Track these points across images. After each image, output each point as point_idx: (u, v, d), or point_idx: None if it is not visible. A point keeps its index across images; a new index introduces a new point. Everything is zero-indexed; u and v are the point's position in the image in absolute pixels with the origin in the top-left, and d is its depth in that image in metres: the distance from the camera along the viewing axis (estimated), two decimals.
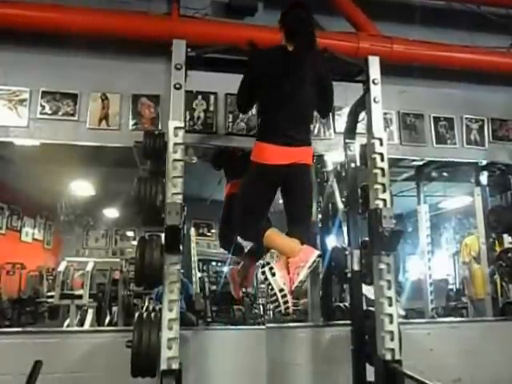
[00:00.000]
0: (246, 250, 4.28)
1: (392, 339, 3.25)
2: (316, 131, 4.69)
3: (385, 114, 4.19)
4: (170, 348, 2.92)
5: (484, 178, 5.45)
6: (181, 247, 3.06)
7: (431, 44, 4.78)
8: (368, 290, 3.90)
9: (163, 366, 2.89)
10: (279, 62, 3.24)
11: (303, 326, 4.69)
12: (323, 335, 4.22)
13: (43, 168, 6.58)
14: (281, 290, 2.99)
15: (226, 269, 7.82)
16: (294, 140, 3.21)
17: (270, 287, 3.05)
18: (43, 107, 4.26)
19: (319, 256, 3.17)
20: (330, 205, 4.71)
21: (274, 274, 3.02)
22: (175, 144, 3.17)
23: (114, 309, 7.69)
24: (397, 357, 3.22)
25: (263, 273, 3.08)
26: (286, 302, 3.00)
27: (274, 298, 3.01)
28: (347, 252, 3.94)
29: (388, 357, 3.22)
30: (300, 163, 3.22)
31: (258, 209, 3.34)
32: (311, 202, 3.56)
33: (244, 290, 4.45)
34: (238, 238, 4.12)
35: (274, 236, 3.23)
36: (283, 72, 3.22)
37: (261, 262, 3.65)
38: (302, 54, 3.24)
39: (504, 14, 5.16)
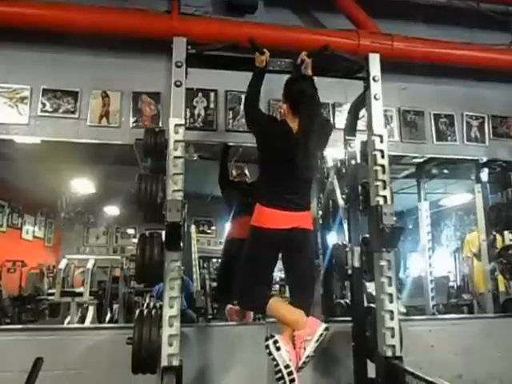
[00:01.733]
0: None
1: (393, 336, 3.26)
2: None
3: (385, 111, 4.19)
4: (170, 345, 2.93)
5: (484, 174, 5.44)
6: (181, 244, 3.07)
7: (431, 41, 4.77)
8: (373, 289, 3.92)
9: (164, 363, 2.90)
10: (283, 138, 3.21)
11: None
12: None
13: (44, 166, 6.58)
14: (286, 367, 2.85)
15: None
16: (295, 204, 3.19)
17: (274, 363, 2.89)
18: (44, 105, 4.27)
19: (326, 329, 3.02)
20: (331, 202, 4.71)
21: (278, 349, 2.89)
22: (176, 141, 3.18)
23: (115, 306, 7.69)
24: (397, 353, 3.23)
25: (267, 347, 2.93)
26: (292, 381, 2.84)
27: (280, 375, 2.85)
28: (348, 249, 3.95)
29: (389, 353, 3.23)
30: (301, 228, 3.19)
31: (260, 274, 3.27)
32: (314, 269, 3.48)
33: None
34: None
35: (278, 306, 3.10)
36: (286, 148, 3.18)
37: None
38: (306, 136, 3.18)
39: (504, 11, 5.15)
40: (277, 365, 2.87)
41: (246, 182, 5.07)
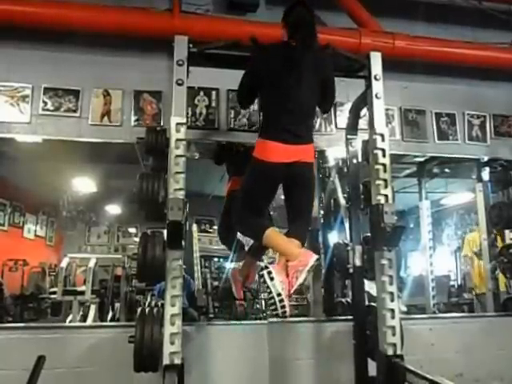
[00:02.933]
0: (246, 248, 4.27)
1: (394, 334, 3.26)
2: (318, 127, 4.70)
3: (386, 109, 4.19)
4: (172, 343, 2.94)
5: (486, 174, 5.44)
6: (183, 243, 3.07)
7: (433, 40, 4.77)
8: (371, 287, 3.92)
9: (166, 361, 2.90)
10: (281, 57, 3.23)
11: (305, 320, 4.70)
12: (325, 330, 4.23)
13: (45, 164, 6.59)
14: (278, 295, 3.00)
15: (227, 265, 7.81)
16: (297, 137, 3.19)
17: (268, 290, 3.06)
18: (45, 103, 4.27)
19: (317, 260, 3.18)
20: (332, 200, 4.71)
21: (272, 279, 3.03)
22: (177, 140, 3.18)
23: (117, 305, 7.71)
24: (398, 352, 3.24)
25: (261, 276, 3.08)
26: (283, 307, 3.01)
27: (272, 301, 3.03)
28: (349, 248, 3.96)
29: (390, 352, 3.23)
30: (302, 161, 3.21)
31: (258, 205, 3.34)
32: (312, 201, 3.52)
33: (245, 289, 4.42)
34: (239, 235, 4.12)
35: (274, 236, 3.21)
36: (285, 67, 3.21)
37: (260, 264, 3.61)
38: (304, 49, 3.22)
39: (506, 10, 5.14)
40: (270, 292, 3.04)
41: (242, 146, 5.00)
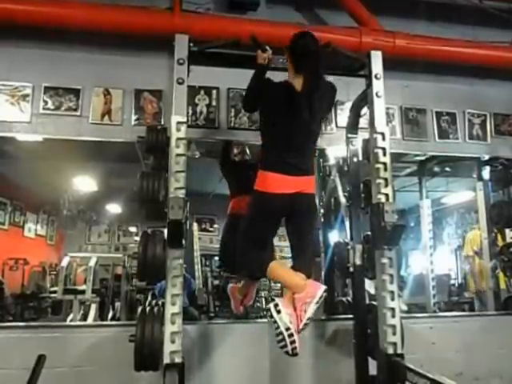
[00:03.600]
0: None
1: (394, 333, 3.26)
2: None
3: (387, 108, 4.18)
4: (173, 342, 2.94)
5: (486, 172, 5.45)
6: (183, 242, 3.07)
7: (434, 39, 4.77)
8: (371, 286, 3.92)
9: (166, 360, 2.91)
10: (284, 98, 3.22)
11: None
12: (326, 329, 4.23)
13: (46, 163, 6.59)
14: (287, 329, 2.87)
15: None
16: (298, 169, 3.18)
17: (275, 325, 2.91)
18: (46, 102, 4.27)
19: (325, 291, 3.06)
20: (333, 199, 4.71)
21: (279, 312, 2.91)
22: (178, 139, 3.18)
23: (117, 304, 7.72)
24: (399, 350, 3.24)
25: (268, 310, 2.97)
26: (292, 342, 2.87)
27: (281, 337, 2.88)
28: (349, 246, 3.95)
29: (390, 350, 3.23)
30: (304, 193, 3.20)
31: (261, 238, 3.28)
32: (315, 233, 3.50)
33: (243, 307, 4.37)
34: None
35: (278, 269, 3.15)
36: (288, 108, 3.19)
37: (265, 294, 3.45)
38: (308, 96, 3.20)
39: (506, 9, 5.14)
40: (277, 327, 2.90)
41: (246, 162, 5.01)
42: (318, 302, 2.99)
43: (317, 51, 3.26)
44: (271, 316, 2.94)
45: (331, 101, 3.47)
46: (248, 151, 5.08)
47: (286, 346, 2.88)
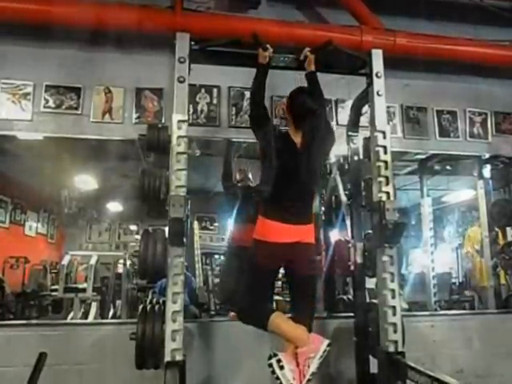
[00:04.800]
0: None
1: (395, 331, 3.26)
2: None
3: (388, 107, 4.18)
4: (174, 340, 2.94)
5: (487, 171, 5.45)
6: (184, 240, 3.08)
7: (434, 37, 4.76)
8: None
9: (167, 358, 2.91)
10: (287, 152, 3.24)
11: None
12: (326, 327, 4.23)
13: (46, 162, 6.59)
14: None
15: None
16: (298, 218, 3.19)
17: (278, 382, 2.88)
18: (47, 101, 4.27)
19: (329, 345, 3.02)
20: (334, 198, 4.71)
21: (282, 368, 2.87)
22: (179, 137, 3.18)
23: (118, 302, 7.72)
24: (400, 348, 3.24)
25: (270, 365, 2.91)
26: None
27: None
28: (350, 245, 3.95)
29: (391, 349, 3.23)
30: (304, 242, 3.20)
31: (261, 289, 3.25)
32: (315, 284, 3.47)
33: None
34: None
35: (280, 322, 3.07)
36: (289, 162, 3.21)
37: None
38: (309, 153, 3.22)
39: (508, 8, 5.14)
40: (280, 383, 2.86)
41: (249, 187, 5.03)
42: (321, 357, 2.96)
43: (315, 109, 3.29)
44: (273, 372, 2.89)
45: (330, 147, 3.48)
46: (250, 176, 5.10)
47: None
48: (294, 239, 3.15)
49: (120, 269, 8.14)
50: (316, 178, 3.39)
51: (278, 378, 2.87)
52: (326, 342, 3.02)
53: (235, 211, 4.86)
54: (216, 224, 11.68)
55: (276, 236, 3.14)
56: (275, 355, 2.93)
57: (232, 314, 4.43)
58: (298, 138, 3.28)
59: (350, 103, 4.30)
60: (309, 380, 2.91)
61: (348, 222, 4.28)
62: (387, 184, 3.43)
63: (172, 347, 2.93)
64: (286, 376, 2.85)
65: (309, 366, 2.90)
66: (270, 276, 3.29)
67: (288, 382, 2.84)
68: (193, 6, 4.48)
